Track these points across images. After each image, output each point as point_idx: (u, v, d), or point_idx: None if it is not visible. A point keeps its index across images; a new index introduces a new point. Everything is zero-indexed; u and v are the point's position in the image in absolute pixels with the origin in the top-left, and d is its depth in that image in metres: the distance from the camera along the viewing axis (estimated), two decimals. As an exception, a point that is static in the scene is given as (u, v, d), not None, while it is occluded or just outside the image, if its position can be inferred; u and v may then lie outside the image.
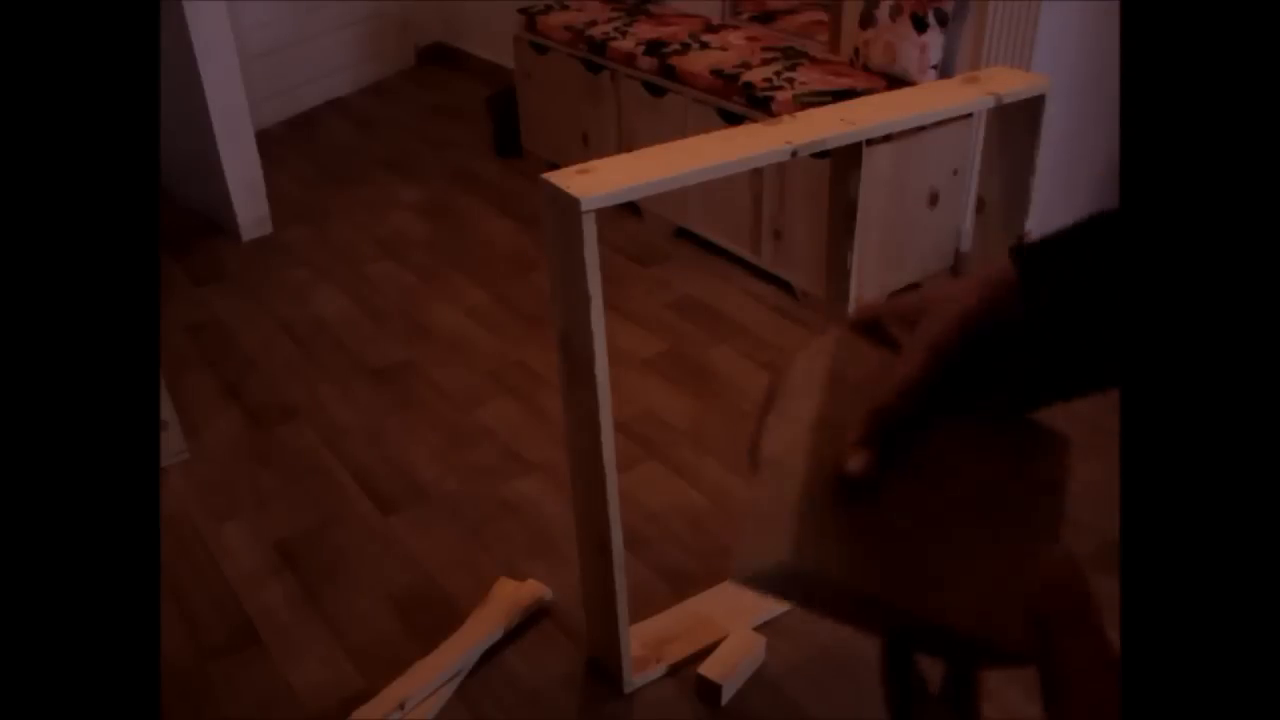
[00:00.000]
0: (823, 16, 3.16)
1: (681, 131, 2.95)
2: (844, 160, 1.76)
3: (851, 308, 1.86)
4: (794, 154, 1.47)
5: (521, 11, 3.71)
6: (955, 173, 2.83)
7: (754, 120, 2.44)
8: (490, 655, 1.82)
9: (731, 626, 1.81)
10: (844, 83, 2.77)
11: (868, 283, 2.73)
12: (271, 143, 4.02)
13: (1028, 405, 0.50)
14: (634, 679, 1.74)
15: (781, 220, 2.87)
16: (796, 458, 0.47)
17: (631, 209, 3.36)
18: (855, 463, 0.46)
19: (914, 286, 2.91)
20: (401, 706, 1.68)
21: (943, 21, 2.67)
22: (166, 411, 2.30)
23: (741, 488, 2.19)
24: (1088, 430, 2.32)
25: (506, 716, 1.72)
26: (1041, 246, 0.48)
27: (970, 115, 2.69)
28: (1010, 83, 1.68)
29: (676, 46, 3.16)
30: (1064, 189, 2.83)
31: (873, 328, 0.52)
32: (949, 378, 0.47)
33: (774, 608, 1.84)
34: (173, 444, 2.33)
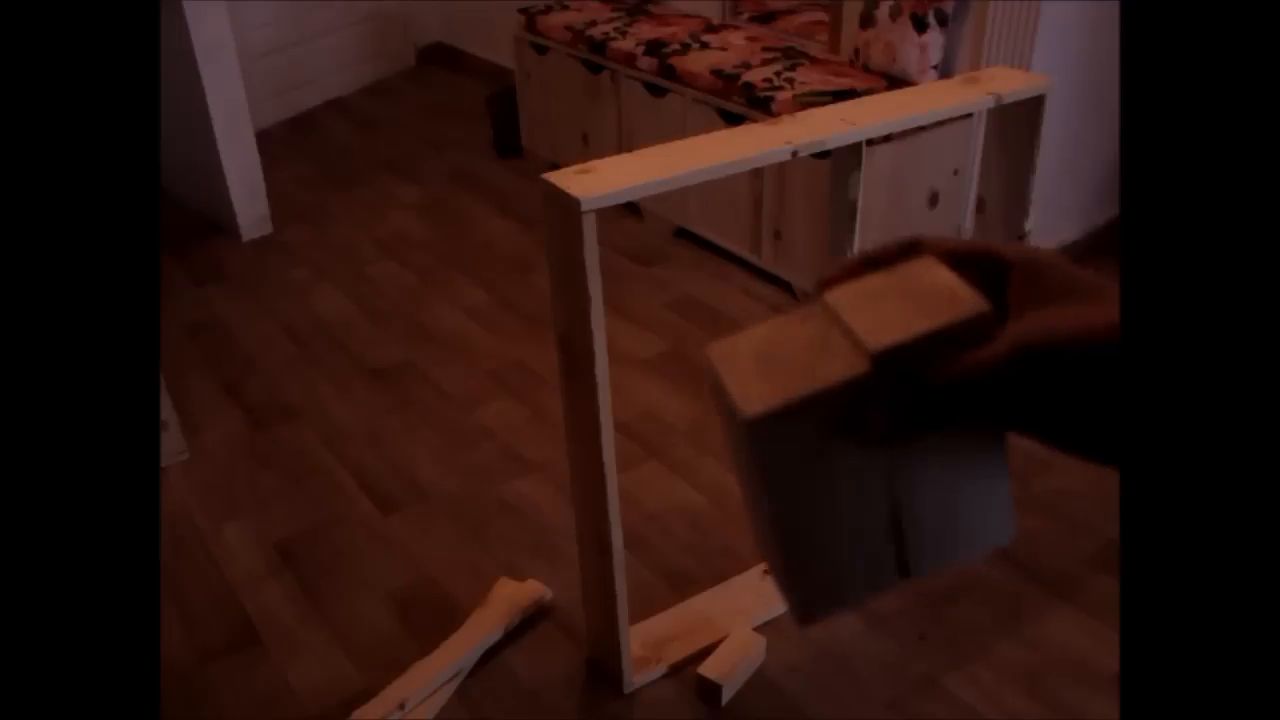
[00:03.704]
0: (823, 16, 3.16)
1: (681, 131, 2.95)
2: (844, 160, 1.76)
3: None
4: (794, 154, 1.47)
5: (521, 11, 3.71)
6: (955, 173, 2.83)
7: (754, 120, 2.44)
8: (490, 655, 1.81)
9: (731, 626, 1.81)
10: (844, 83, 2.77)
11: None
12: (271, 143, 4.02)
13: (1080, 450, 0.47)
14: (634, 679, 1.74)
15: (781, 220, 2.87)
16: (887, 337, 0.45)
17: (631, 209, 3.36)
18: (884, 426, 0.45)
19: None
20: (402, 706, 1.68)
21: (943, 21, 2.67)
22: (166, 411, 2.30)
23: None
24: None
25: (506, 716, 1.72)
26: None
27: (970, 115, 2.69)
28: (1010, 83, 1.68)
29: (676, 46, 3.16)
30: (1064, 189, 2.83)
31: (971, 262, 0.49)
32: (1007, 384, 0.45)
33: (774, 608, 1.84)
34: (173, 444, 2.33)
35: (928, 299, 0.46)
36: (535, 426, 2.43)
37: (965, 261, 0.48)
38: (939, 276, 0.48)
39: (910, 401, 0.44)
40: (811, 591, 0.49)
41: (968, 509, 0.51)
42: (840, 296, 0.49)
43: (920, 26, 2.67)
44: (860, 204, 1.78)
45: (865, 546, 0.49)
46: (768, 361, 0.46)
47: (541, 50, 3.63)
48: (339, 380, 2.65)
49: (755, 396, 0.45)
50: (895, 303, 0.47)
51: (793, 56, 3.02)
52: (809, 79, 2.82)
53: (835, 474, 0.47)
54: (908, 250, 0.50)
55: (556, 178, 1.36)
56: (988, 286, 0.47)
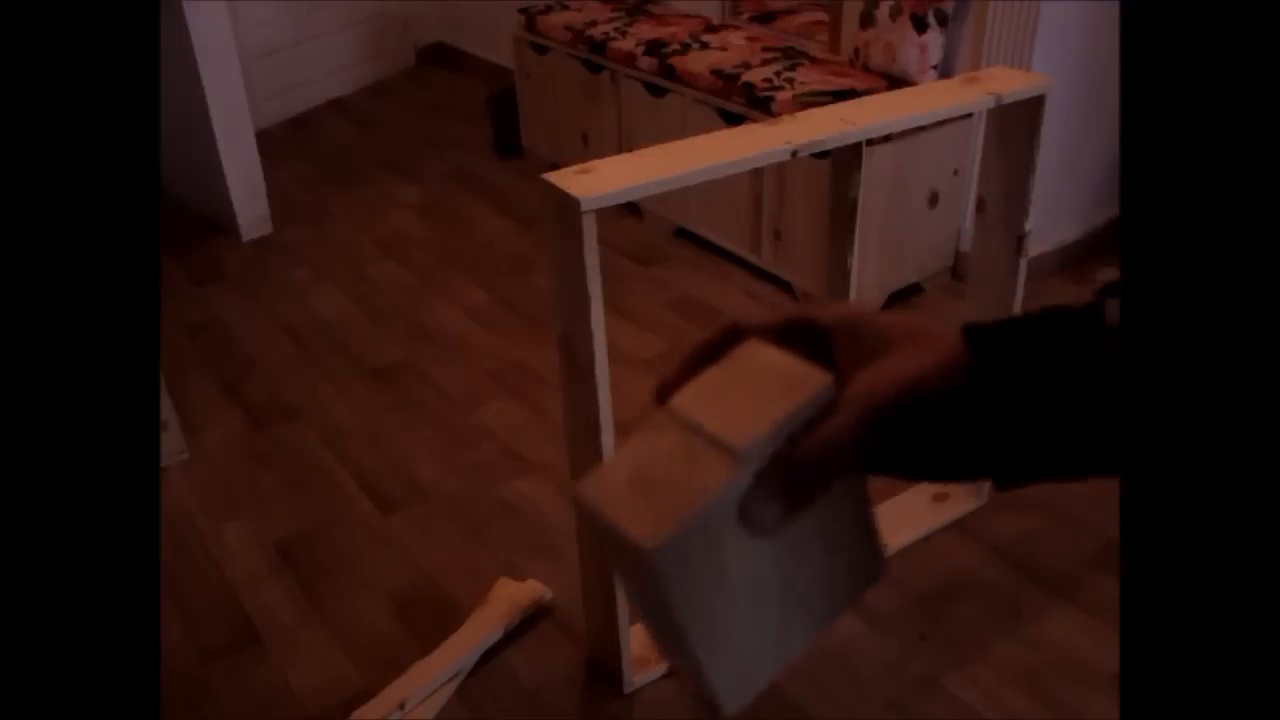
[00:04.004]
0: (823, 16, 3.16)
1: (681, 131, 2.95)
2: (844, 160, 1.76)
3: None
4: (794, 154, 1.47)
5: (521, 11, 3.71)
6: (955, 173, 2.83)
7: (754, 120, 2.44)
8: (490, 655, 1.81)
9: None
10: (844, 83, 2.77)
11: (867, 283, 2.73)
12: (271, 143, 4.02)
13: (935, 477, 0.52)
14: (634, 679, 1.74)
15: (781, 220, 2.87)
16: (742, 444, 0.46)
17: (631, 209, 3.36)
18: (769, 514, 0.47)
19: (914, 287, 2.91)
20: (402, 707, 1.68)
21: (943, 21, 2.67)
22: (166, 411, 2.30)
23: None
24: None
25: (506, 716, 1.72)
26: (993, 328, 0.49)
27: (970, 115, 2.69)
28: (1010, 83, 1.68)
29: (676, 46, 3.16)
30: (1064, 189, 2.83)
31: (800, 332, 0.52)
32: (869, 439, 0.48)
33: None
34: (173, 444, 2.33)
35: (769, 383, 0.48)
36: (535, 426, 2.43)
37: (787, 334, 0.51)
38: (771, 358, 0.49)
39: (782, 484, 0.47)
40: (730, 685, 0.50)
41: (847, 554, 0.53)
42: (685, 401, 0.50)
43: (920, 26, 2.67)
44: (860, 204, 1.78)
45: (768, 624, 0.51)
46: (643, 487, 0.46)
47: (541, 50, 3.63)
48: (339, 380, 2.65)
49: (647, 526, 0.45)
50: (740, 395, 0.48)
51: (793, 56, 3.02)
52: (809, 79, 2.82)
53: (730, 569, 0.48)
54: (730, 338, 0.52)
55: (556, 178, 1.36)
56: (813, 351, 0.50)
